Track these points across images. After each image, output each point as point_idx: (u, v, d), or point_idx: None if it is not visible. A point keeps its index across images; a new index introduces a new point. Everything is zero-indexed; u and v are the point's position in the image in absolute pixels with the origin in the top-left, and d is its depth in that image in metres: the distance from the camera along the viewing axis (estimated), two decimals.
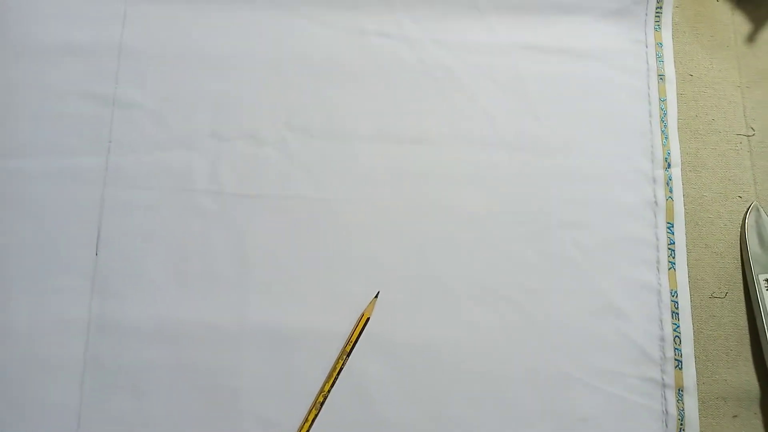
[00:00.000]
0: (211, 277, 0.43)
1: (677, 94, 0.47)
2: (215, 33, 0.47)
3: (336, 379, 0.41)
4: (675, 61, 0.48)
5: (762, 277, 0.43)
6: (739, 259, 0.45)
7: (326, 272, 0.43)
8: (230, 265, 0.43)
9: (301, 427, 0.41)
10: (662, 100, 0.47)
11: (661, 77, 0.47)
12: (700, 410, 0.42)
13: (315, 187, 0.45)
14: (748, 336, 0.44)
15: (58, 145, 0.45)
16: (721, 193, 0.46)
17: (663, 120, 0.46)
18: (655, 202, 0.45)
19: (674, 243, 0.44)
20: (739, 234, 0.45)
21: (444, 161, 0.45)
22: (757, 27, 0.49)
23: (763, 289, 0.43)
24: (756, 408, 0.43)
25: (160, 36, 0.47)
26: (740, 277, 0.44)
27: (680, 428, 0.42)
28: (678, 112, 0.47)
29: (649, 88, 0.47)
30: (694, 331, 0.43)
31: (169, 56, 0.46)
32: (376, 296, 0.43)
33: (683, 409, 0.42)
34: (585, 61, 0.48)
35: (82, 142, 0.45)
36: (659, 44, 0.48)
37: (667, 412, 0.42)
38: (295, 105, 0.46)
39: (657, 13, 0.48)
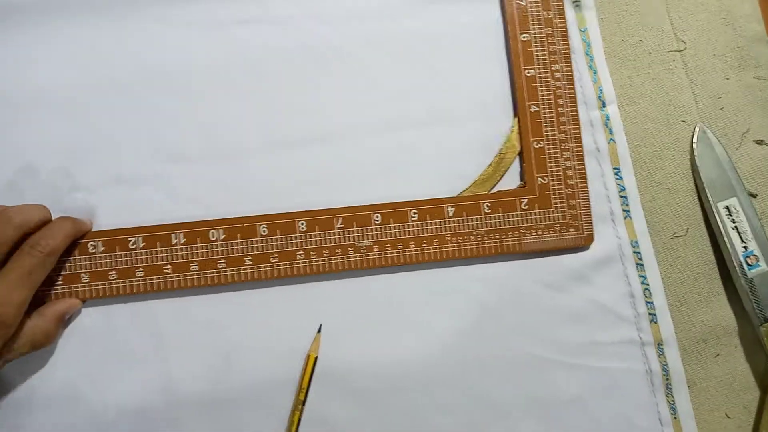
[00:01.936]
0: (122, 353, 0.37)
1: (598, 19, 0.42)
2: (37, 66, 0.38)
3: None
4: None
5: (721, 205, 0.40)
6: (695, 189, 0.41)
7: (254, 316, 0.38)
8: (139, 333, 0.37)
9: None
10: (583, 31, 0.41)
11: (576, 5, 0.41)
12: (682, 359, 0.40)
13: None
14: (717, 270, 0.41)
15: None
16: (663, 121, 0.42)
17: (588, 53, 0.41)
18: (597, 149, 0.41)
19: (625, 189, 0.40)
20: (689, 163, 0.41)
21: (349, 157, 0.39)
22: None
23: (724, 218, 0.40)
24: (736, 341, 0.41)
25: None
26: (698, 209, 0.41)
27: (666, 383, 0.39)
28: (602, 41, 0.42)
29: (566, 20, 0.41)
30: (662, 279, 0.40)
31: None
32: (319, 330, 0.38)
33: (666, 363, 0.39)
34: (479, 4, 0.41)
35: None
36: None
37: (650, 370, 0.39)
38: (164, 129, 0.38)
39: None
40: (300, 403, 0.37)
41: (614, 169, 0.40)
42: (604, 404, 0.39)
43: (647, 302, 0.40)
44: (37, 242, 0.33)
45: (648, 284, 0.40)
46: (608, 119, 0.41)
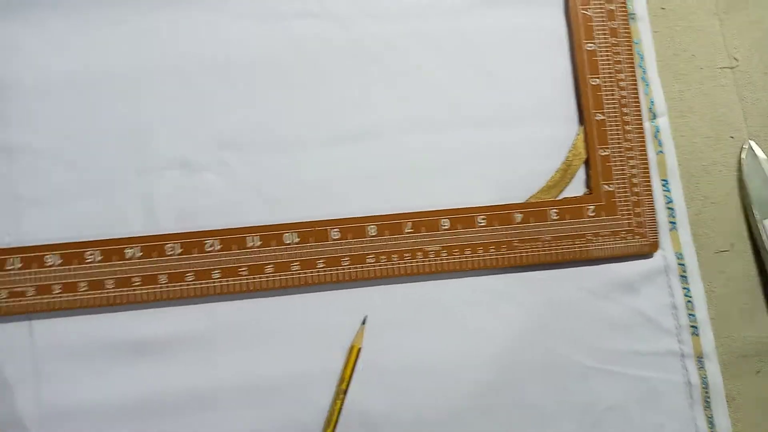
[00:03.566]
0: (170, 338, 0.37)
1: (651, 33, 0.42)
2: (106, 50, 0.39)
3: (336, 423, 0.37)
4: None
5: (767, 222, 0.40)
6: (741, 206, 0.41)
7: (300, 305, 0.38)
8: (188, 319, 0.38)
9: None
10: (636, 43, 0.42)
11: (631, 16, 0.42)
12: (722, 373, 0.40)
13: (268, 210, 0.39)
14: (760, 286, 0.41)
15: None
16: (711, 136, 0.42)
17: (641, 66, 0.42)
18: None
19: (672, 201, 0.41)
20: (737, 179, 0.42)
21: (406, 154, 0.40)
22: None
23: None
24: None
25: (39, 62, 0.38)
26: (744, 225, 0.41)
27: (705, 396, 0.39)
28: (655, 53, 0.42)
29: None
30: (705, 292, 0.40)
31: (57, 85, 0.38)
32: (364, 322, 0.38)
33: (706, 377, 0.39)
34: (539, 8, 0.42)
35: None
36: None
37: (690, 382, 0.39)
38: (224, 118, 0.39)
39: None
40: (342, 393, 0.37)
41: (662, 180, 0.41)
42: (642, 414, 0.39)
43: (689, 314, 0.40)
44: None
45: (691, 296, 0.40)
46: (658, 131, 0.41)
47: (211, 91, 0.39)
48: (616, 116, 0.40)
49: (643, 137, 0.40)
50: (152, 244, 0.37)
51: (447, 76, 0.41)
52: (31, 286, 0.37)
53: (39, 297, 0.37)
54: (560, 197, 0.40)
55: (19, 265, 0.37)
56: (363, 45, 0.40)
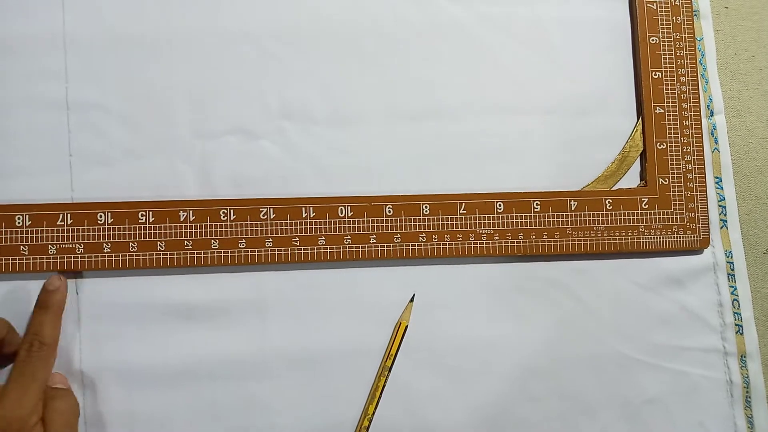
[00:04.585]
0: (220, 304, 0.37)
1: (714, 30, 0.42)
2: (175, 11, 0.39)
3: (380, 398, 0.37)
4: None
5: None
6: None
7: (350, 280, 0.38)
8: (239, 286, 0.38)
9: None
10: (699, 40, 0.42)
11: (695, 13, 0.42)
12: (764, 374, 0.40)
13: (324, 182, 0.39)
14: None
15: (7, 166, 0.37)
16: (767, 137, 0.42)
17: (701, 62, 0.42)
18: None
19: (724, 199, 0.41)
20: None
21: (467, 136, 0.40)
22: None
23: None
24: None
25: (109, 20, 0.38)
26: None
27: (746, 396, 0.39)
28: (716, 51, 0.42)
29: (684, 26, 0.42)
30: (751, 291, 0.40)
31: (124, 44, 0.38)
32: (412, 300, 0.38)
33: (747, 376, 0.40)
34: (611, 2, 0.42)
35: (36, 159, 0.37)
36: None
37: (731, 381, 0.39)
38: (288, 87, 0.39)
39: None
40: (387, 369, 0.37)
41: (716, 178, 0.41)
42: (682, 409, 0.39)
43: (735, 313, 0.40)
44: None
45: (737, 295, 0.40)
46: (714, 128, 0.41)
47: (279, 60, 0.39)
48: (675, 111, 0.40)
49: (700, 133, 0.40)
50: (206, 209, 0.37)
51: (514, 62, 0.40)
52: (80, 243, 0.37)
53: (87, 255, 0.37)
54: (615, 188, 0.40)
55: (70, 222, 0.37)
56: (436, 25, 0.40)
